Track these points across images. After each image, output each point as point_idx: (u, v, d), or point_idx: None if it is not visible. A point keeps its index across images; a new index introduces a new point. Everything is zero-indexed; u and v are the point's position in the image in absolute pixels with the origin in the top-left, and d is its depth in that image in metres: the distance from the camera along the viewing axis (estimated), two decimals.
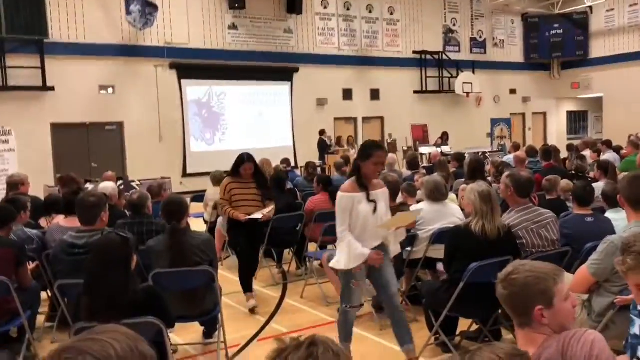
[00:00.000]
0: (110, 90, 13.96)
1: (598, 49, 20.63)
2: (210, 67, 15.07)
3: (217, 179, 7.91)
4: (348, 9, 17.25)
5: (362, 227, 3.69)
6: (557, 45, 20.95)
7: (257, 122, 15.86)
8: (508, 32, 20.93)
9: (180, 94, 14.91)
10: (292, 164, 14.26)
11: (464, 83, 18.56)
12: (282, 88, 16.34)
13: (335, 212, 3.73)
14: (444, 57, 18.90)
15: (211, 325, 4.35)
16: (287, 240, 6.61)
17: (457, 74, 18.74)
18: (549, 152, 8.14)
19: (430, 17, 18.85)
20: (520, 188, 4.11)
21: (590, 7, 20.25)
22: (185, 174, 14.89)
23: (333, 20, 17.03)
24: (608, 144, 11.17)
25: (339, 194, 3.74)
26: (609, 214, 4.29)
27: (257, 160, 8.74)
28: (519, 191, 4.10)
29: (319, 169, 12.50)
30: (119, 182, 10.31)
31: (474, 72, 19.14)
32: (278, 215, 6.24)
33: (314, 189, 7.08)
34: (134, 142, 14.22)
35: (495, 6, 19.86)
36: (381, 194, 3.84)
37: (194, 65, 14.87)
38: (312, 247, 6.78)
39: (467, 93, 18.71)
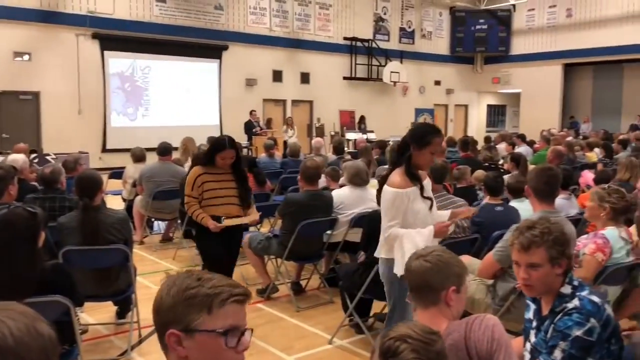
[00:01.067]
0: (26, 57, 13.16)
1: (519, 46, 21.58)
2: (136, 40, 14.52)
3: (137, 155, 7.69)
4: None
5: (419, 226, 3.10)
6: (481, 40, 21.72)
7: (182, 99, 15.48)
8: (436, 24, 21.48)
9: (103, 66, 14.29)
10: None
11: (391, 72, 18.91)
12: (211, 66, 16.01)
13: (383, 207, 3.15)
14: (374, 45, 19.15)
15: (124, 305, 4.26)
16: None
17: (386, 63, 19.07)
18: (467, 143, 8.52)
19: (362, 4, 19.01)
20: (436, 174, 4.29)
21: (514, 5, 21.12)
22: (105, 150, 14.34)
23: None
24: (522, 138, 11.77)
25: (388, 189, 3.09)
26: (513, 204, 4.54)
27: (181, 139, 8.64)
28: (435, 177, 4.27)
29: (245, 150, 12.39)
30: (33, 155, 9.80)
31: (401, 62, 19.53)
32: None
33: None
34: (51, 113, 13.51)
35: None
36: (429, 185, 3.28)
37: (118, 36, 14.27)
38: None
39: (395, 82, 19.10)
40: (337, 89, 18.46)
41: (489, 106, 23.82)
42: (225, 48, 16.05)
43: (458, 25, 21.78)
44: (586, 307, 2.08)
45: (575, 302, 2.09)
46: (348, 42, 18.68)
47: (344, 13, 18.54)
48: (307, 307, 4.89)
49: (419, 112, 20.38)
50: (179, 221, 6.52)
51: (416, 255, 2.03)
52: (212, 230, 4.13)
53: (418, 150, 3.07)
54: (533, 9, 20.90)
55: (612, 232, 3.25)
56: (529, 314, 2.33)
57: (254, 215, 4.45)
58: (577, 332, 2.04)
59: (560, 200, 4.59)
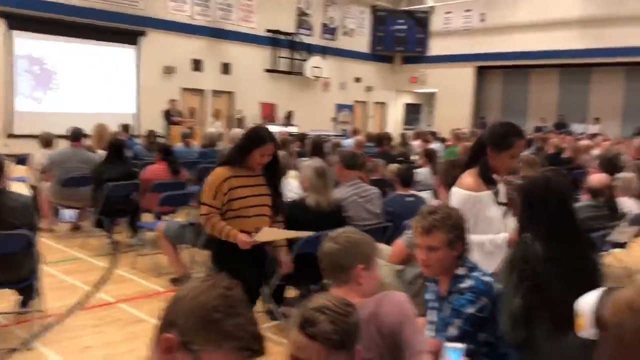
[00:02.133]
0: None
1: (436, 47, 22.35)
2: (47, 21, 13.74)
3: (45, 140, 7.34)
4: None
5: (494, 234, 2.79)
6: (400, 39, 22.31)
7: (96, 84, 14.83)
8: (358, 22, 21.84)
9: (10, 47, 13.44)
10: (136, 132, 13.64)
11: (313, 67, 19.07)
12: (127, 51, 15.44)
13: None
14: (296, 39, 19.21)
15: (28, 293, 4.07)
16: (120, 209, 6.34)
17: (308, 57, 19.18)
18: (381, 139, 8.86)
19: None
20: (346, 160, 4.47)
21: (432, 7, 21.86)
22: (10, 135, 13.51)
23: None
24: (434, 135, 12.29)
25: (458, 190, 2.81)
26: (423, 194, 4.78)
27: (92, 126, 8.29)
28: (345, 163, 4.44)
29: (161, 139, 12.08)
30: None
31: (323, 57, 19.72)
32: (113, 183, 6.00)
33: (154, 158, 6.88)
34: None
35: None
36: (502, 189, 2.93)
37: (27, 16, 13.45)
38: (147, 217, 6.60)
39: (316, 77, 19.27)
40: (258, 81, 18.36)
41: (406, 105, 24.55)
42: (143, 34, 15.54)
43: (379, 25, 22.25)
44: (479, 286, 2.24)
45: (469, 282, 2.25)
46: (271, 35, 18.61)
47: (266, 5, 18.45)
48: None
49: (339, 107, 20.69)
50: (90, 209, 6.30)
51: (330, 237, 2.10)
52: (244, 246, 3.27)
53: (497, 153, 2.77)
54: (450, 12, 21.71)
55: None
56: (428, 295, 2.48)
57: (284, 231, 3.62)
58: (471, 310, 2.19)
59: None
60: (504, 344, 2.29)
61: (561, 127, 18.48)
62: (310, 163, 4.17)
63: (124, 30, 15.11)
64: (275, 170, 3.50)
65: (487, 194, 2.79)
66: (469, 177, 2.82)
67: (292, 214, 4.07)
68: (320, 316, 1.52)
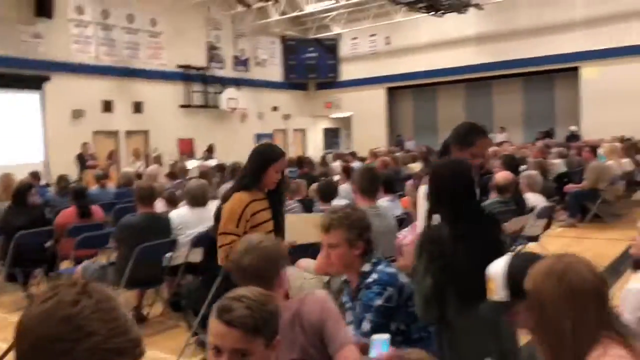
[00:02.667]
0: None
1: (347, 72, 23.01)
2: None
3: None
4: (106, 17, 16.44)
5: None
6: (312, 67, 22.80)
7: (0, 134, 14.10)
8: (269, 52, 22.13)
9: None
10: (47, 180, 13.02)
11: (228, 99, 19.09)
12: (32, 98, 14.82)
13: (418, 212, 2.84)
14: (209, 72, 19.18)
15: None
16: (35, 259, 6.02)
17: (222, 90, 19.18)
18: (301, 161, 9.00)
19: (194, 32, 18.97)
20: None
21: (339, 35, 22.52)
22: None
23: (90, 27, 16.06)
24: (354, 155, 12.63)
25: (421, 187, 2.79)
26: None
27: None
28: None
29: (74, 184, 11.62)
30: None
31: (238, 89, 19.79)
32: (23, 231, 5.70)
33: (68, 203, 6.62)
34: None
35: (256, 27, 20.83)
36: None
37: None
38: (66, 264, 6.29)
39: (232, 109, 19.28)
40: (173, 117, 18.11)
41: (325, 129, 24.98)
42: (47, 78, 14.99)
43: (290, 54, 22.65)
44: (383, 278, 2.35)
45: (374, 276, 2.36)
46: (182, 70, 18.49)
47: (175, 41, 18.34)
48: (150, 333, 4.72)
49: (259, 136, 20.74)
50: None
51: (243, 251, 2.12)
52: None
53: (459, 152, 2.74)
54: (356, 38, 22.45)
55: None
56: (345, 298, 2.56)
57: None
58: (379, 302, 2.30)
59: (386, 202, 5.04)
60: (417, 329, 2.40)
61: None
62: (227, 186, 4.17)
63: (26, 77, 14.52)
64: (281, 190, 3.37)
65: None
66: None
67: (214, 242, 4.02)
68: (236, 303, 1.57)
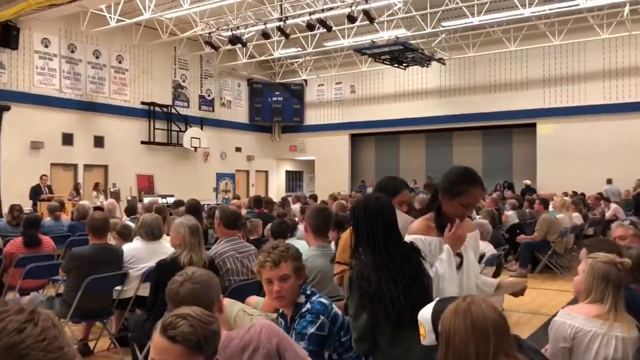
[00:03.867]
0: None
1: (312, 117, 23.37)
2: None
3: None
4: (72, 52, 16.41)
5: (437, 289, 2.51)
6: (277, 110, 23.09)
7: None
8: (235, 94, 22.35)
9: None
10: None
11: (192, 138, 19.09)
12: None
13: None
14: (173, 110, 19.21)
15: None
16: None
17: (186, 128, 19.20)
18: (260, 200, 9.01)
19: (160, 70, 19.08)
20: (226, 220, 4.51)
21: (305, 81, 22.96)
22: None
23: (55, 60, 15.98)
24: (314, 198, 12.71)
25: (408, 237, 2.60)
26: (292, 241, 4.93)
27: None
28: (225, 223, 4.50)
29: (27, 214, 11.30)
30: None
31: (202, 128, 19.84)
32: None
33: (20, 233, 6.45)
34: None
35: (223, 69, 21.10)
36: (470, 239, 2.69)
37: None
38: (11, 294, 6.09)
39: (195, 147, 19.26)
40: (134, 153, 17.97)
41: (287, 172, 25.11)
42: (7, 108, 14.76)
43: (256, 96, 22.92)
44: (315, 307, 2.45)
45: (308, 306, 2.45)
46: (146, 107, 18.47)
47: (141, 78, 18.39)
48: None
49: (220, 176, 20.71)
50: None
51: (179, 282, 2.15)
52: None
53: (448, 200, 2.56)
54: (322, 85, 22.94)
55: None
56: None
57: None
58: (311, 330, 2.38)
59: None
60: (349, 357, 2.49)
61: (430, 187, 19.78)
62: (182, 221, 4.16)
63: None
64: None
65: (437, 240, 2.57)
66: (418, 221, 2.67)
67: (162, 274, 3.98)
68: (181, 321, 1.60)
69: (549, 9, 15.38)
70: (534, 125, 18.79)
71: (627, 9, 15.22)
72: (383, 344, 2.38)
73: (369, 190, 20.69)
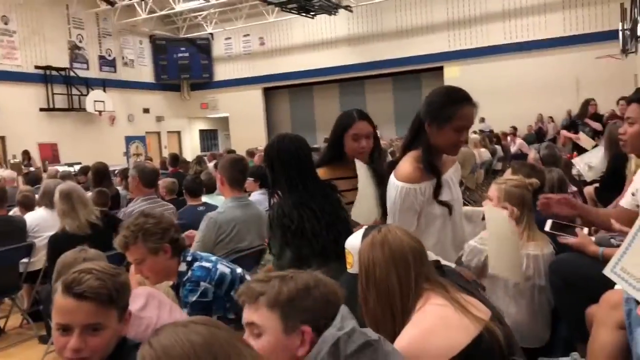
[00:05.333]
0: None
1: (221, 72, 22.72)
2: None
3: None
4: None
5: (438, 235, 2.26)
6: (185, 67, 22.22)
7: None
8: (137, 52, 21.24)
9: None
10: None
11: (95, 101, 18.04)
12: None
13: (389, 208, 2.26)
14: (72, 73, 18.01)
15: None
16: None
17: (88, 92, 18.10)
18: (176, 159, 8.71)
19: (53, 31, 17.70)
20: (145, 178, 4.38)
21: (212, 34, 22.17)
22: None
23: None
24: (231, 153, 12.49)
25: (395, 182, 2.21)
26: (206, 199, 4.82)
27: None
28: (144, 181, 4.38)
29: None
30: None
31: (105, 91, 18.77)
32: None
33: None
34: None
35: (123, 26, 19.89)
36: (455, 174, 2.40)
37: None
38: None
39: (100, 111, 18.25)
40: (33, 121, 16.78)
41: (201, 131, 24.48)
42: None
43: (160, 53, 21.90)
44: (195, 274, 2.39)
45: (188, 274, 2.40)
46: (41, 71, 17.18)
47: (32, 40, 17.01)
48: (7, 346, 4.31)
49: (129, 139, 19.85)
50: None
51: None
52: None
53: (437, 130, 2.17)
54: (230, 38, 22.25)
55: None
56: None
57: None
58: (193, 298, 2.33)
59: (259, 195, 5.02)
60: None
61: None
62: (60, 187, 3.94)
63: None
64: (375, 161, 2.72)
65: (429, 183, 2.21)
66: (407, 164, 2.23)
67: (56, 246, 3.74)
68: (86, 275, 1.49)
69: None
70: (441, 68, 19.24)
71: None
72: None
73: None
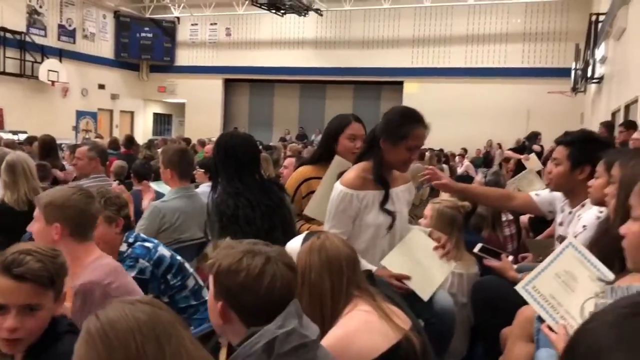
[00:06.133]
0: None
1: (183, 57, 22.41)
2: None
3: None
4: None
5: (368, 243, 2.37)
6: (147, 47, 21.80)
7: None
8: (99, 26, 20.70)
9: None
10: None
11: (49, 70, 17.48)
12: None
13: (328, 209, 2.38)
14: (28, 39, 17.40)
15: None
16: None
17: (42, 60, 17.53)
18: (131, 141, 8.54)
19: None
20: (103, 157, 4.55)
21: (178, 18, 21.86)
22: None
23: None
24: (188, 142, 12.37)
25: (337, 186, 2.35)
26: (154, 186, 4.82)
27: None
28: (102, 160, 4.54)
29: None
30: None
31: (61, 61, 18.22)
32: None
33: None
34: None
35: None
36: (404, 192, 2.50)
37: None
38: None
39: (53, 81, 17.69)
40: None
41: (155, 114, 24.06)
42: None
43: (123, 30, 21.43)
44: (135, 252, 2.52)
45: (129, 252, 2.51)
46: None
47: None
48: None
49: (80, 114, 19.32)
50: None
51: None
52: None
53: (391, 146, 2.31)
54: (196, 24, 22.00)
55: None
56: None
57: None
58: (132, 274, 2.41)
59: (206, 187, 5.04)
60: (180, 299, 2.62)
61: (302, 138, 20.09)
62: (9, 156, 3.84)
63: None
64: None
65: (371, 194, 2.34)
66: (353, 171, 2.38)
67: None
68: (26, 257, 1.51)
69: None
70: (401, 83, 19.63)
71: None
72: None
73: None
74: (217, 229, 2.51)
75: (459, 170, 12.82)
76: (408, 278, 2.25)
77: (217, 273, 1.41)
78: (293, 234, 2.45)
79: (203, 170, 4.93)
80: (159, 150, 10.21)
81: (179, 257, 2.72)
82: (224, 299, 1.39)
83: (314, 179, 2.83)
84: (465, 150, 15.21)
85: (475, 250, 2.65)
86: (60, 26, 18.96)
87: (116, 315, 1.12)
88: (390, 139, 2.30)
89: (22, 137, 13.64)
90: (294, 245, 1.95)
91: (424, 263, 2.31)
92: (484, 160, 16.42)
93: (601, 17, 11.52)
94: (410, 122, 2.31)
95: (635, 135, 5.11)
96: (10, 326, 1.47)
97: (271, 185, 2.69)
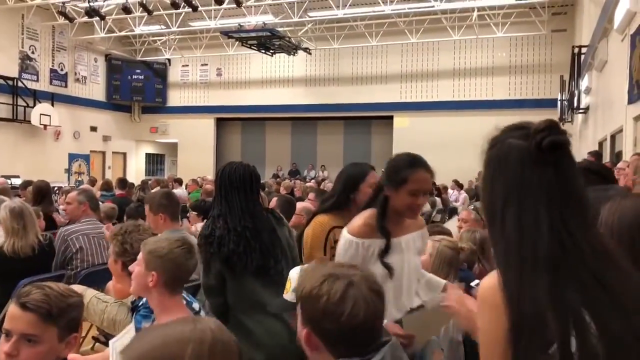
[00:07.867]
0: None
1: (175, 98, 22.64)
2: None
3: None
4: None
5: None
6: (138, 89, 22.03)
7: None
8: (91, 69, 20.95)
9: None
10: None
11: (41, 114, 17.60)
12: None
13: (336, 257, 2.34)
14: (20, 84, 17.56)
15: None
16: None
17: (35, 104, 17.67)
18: (125, 182, 8.59)
19: (4, 39, 17.30)
20: (93, 202, 4.61)
21: (169, 60, 22.17)
22: None
23: None
24: (179, 182, 12.44)
25: (345, 234, 2.31)
26: None
27: None
28: (92, 205, 4.59)
29: None
30: None
31: (53, 105, 18.37)
32: None
33: None
34: None
35: (78, 42, 19.66)
36: (415, 240, 2.44)
37: None
38: None
39: (45, 125, 17.80)
40: None
41: (148, 155, 24.15)
42: None
43: (114, 73, 21.68)
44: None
45: (144, 300, 2.48)
46: None
47: None
48: None
49: (73, 157, 19.36)
50: None
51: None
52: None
53: (394, 192, 2.26)
54: (187, 65, 22.30)
55: None
56: None
57: None
58: (146, 324, 2.40)
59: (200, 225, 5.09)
60: None
61: (295, 174, 20.20)
62: (6, 204, 3.89)
63: None
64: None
65: (379, 242, 2.28)
66: (359, 219, 2.34)
67: None
68: (35, 290, 1.59)
69: (408, 8, 16.31)
70: (391, 117, 19.87)
71: (475, 14, 16.61)
72: (230, 298, 2.65)
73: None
74: (205, 261, 2.62)
75: (458, 202, 12.88)
76: (412, 340, 2.21)
77: (300, 298, 1.40)
78: (277, 259, 2.69)
79: (196, 213, 4.98)
80: (153, 191, 10.30)
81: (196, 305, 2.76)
82: (309, 325, 1.36)
83: (337, 228, 2.65)
84: (456, 182, 15.29)
85: (473, 286, 2.69)
86: (52, 70, 19.17)
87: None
88: (392, 185, 2.27)
89: (15, 181, 13.64)
90: (294, 273, 2.00)
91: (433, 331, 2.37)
92: (475, 192, 16.52)
93: (583, 50, 11.80)
94: (409, 165, 2.27)
95: (620, 164, 5.20)
96: (7, 350, 1.53)
97: (262, 212, 2.78)
